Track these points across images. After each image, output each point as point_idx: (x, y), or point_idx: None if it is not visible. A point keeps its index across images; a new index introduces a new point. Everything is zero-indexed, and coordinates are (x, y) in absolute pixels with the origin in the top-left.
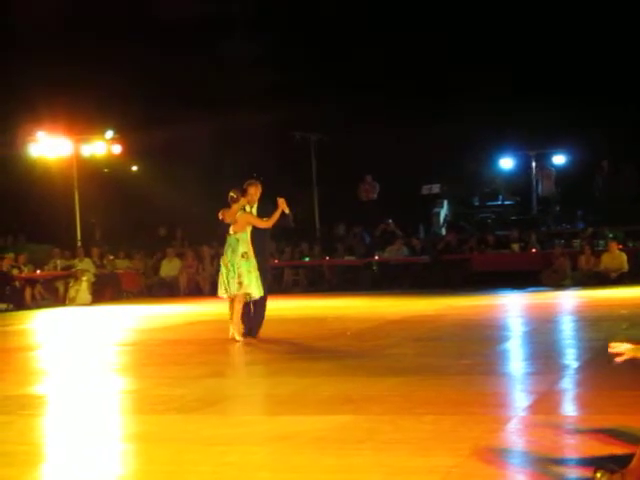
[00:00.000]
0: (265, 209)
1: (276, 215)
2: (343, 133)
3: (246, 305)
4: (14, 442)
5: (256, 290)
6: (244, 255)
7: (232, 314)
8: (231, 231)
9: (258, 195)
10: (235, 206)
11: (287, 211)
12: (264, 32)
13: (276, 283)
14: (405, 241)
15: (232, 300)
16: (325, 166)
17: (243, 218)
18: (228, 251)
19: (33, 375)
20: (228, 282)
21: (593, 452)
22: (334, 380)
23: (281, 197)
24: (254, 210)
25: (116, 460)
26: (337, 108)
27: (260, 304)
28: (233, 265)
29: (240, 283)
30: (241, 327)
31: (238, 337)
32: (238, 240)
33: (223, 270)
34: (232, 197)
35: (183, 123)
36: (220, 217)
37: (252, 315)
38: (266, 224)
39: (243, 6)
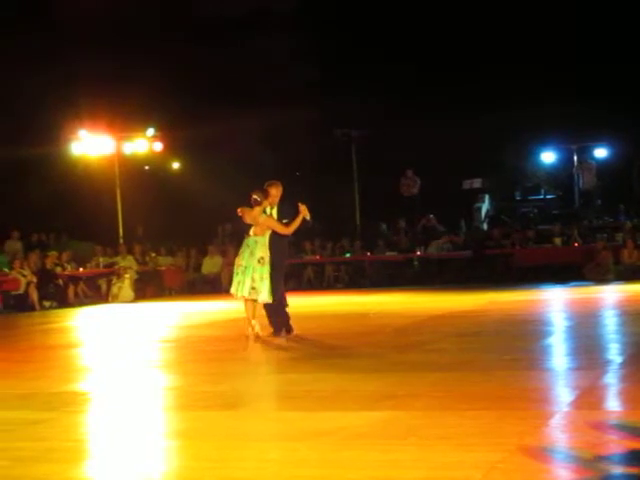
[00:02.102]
0: (284, 210)
1: (297, 221)
2: (384, 128)
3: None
4: (58, 439)
5: (267, 296)
6: (260, 260)
7: (250, 312)
8: (251, 233)
9: (279, 196)
10: (258, 208)
11: (308, 217)
12: (306, 28)
13: (317, 279)
14: (449, 236)
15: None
16: (366, 162)
17: (266, 222)
18: (245, 253)
19: (76, 372)
20: (239, 283)
21: (638, 448)
22: (376, 376)
23: (303, 203)
24: (274, 212)
25: (159, 456)
26: (378, 104)
27: (275, 307)
28: (248, 269)
29: (253, 288)
30: (247, 328)
31: (258, 331)
32: (257, 243)
33: (237, 271)
34: (255, 200)
35: (224, 120)
36: (239, 214)
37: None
38: (287, 230)
39: (285, 2)
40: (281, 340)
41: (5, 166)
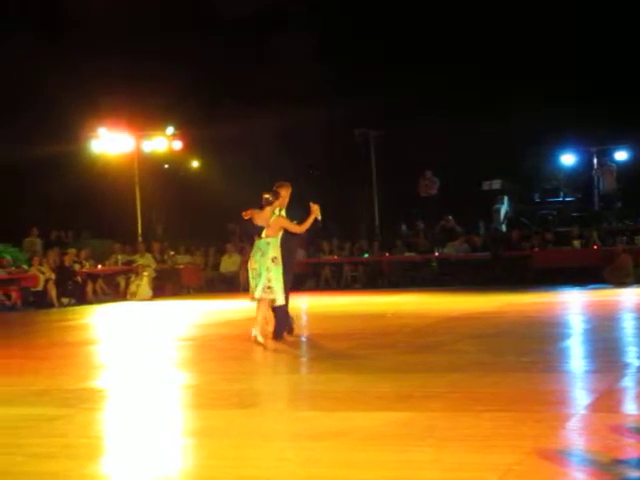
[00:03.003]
0: (292, 211)
1: (309, 221)
2: (403, 129)
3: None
4: (75, 435)
5: (281, 297)
6: (274, 260)
7: (264, 315)
8: (263, 234)
9: (288, 197)
10: (269, 209)
11: (319, 218)
12: (325, 27)
13: (335, 279)
14: (465, 237)
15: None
16: (384, 162)
17: (278, 222)
18: (257, 254)
19: (94, 369)
20: (255, 285)
21: None
22: (393, 376)
23: (315, 203)
24: (283, 213)
25: (176, 454)
26: (397, 104)
27: (281, 309)
28: (263, 270)
29: (270, 288)
30: (265, 329)
31: (261, 338)
32: (269, 244)
33: (252, 274)
34: (268, 200)
35: (243, 119)
36: (247, 216)
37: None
38: (300, 229)
39: (303, 1)
40: (279, 344)
41: (25, 164)
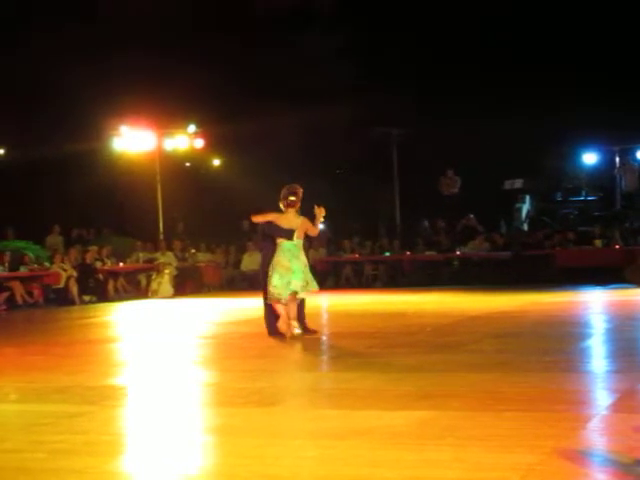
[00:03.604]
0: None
1: (318, 222)
2: (424, 127)
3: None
4: (96, 432)
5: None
6: (306, 263)
7: (291, 313)
8: (295, 237)
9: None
10: (293, 210)
11: (322, 220)
12: (346, 26)
13: (356, 278)
14: (487, 236)
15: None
16: (406, 160)
17: (305, 224)
18: (287, 255)
19: (115, 367)
20: (288, 283)
21: None
22: (414, 375)
23: (320, 205)
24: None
25: (196, 452)
26: (418, 103)
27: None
28: (297, 268)
29: (307, 283)
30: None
31: (298, 330)
32: (296, 247)
33: (280, 272)
34: (294, 201)
35: (265, 117)
36: (263, 220)
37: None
38: (317, 232)
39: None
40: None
41: (48, 162)
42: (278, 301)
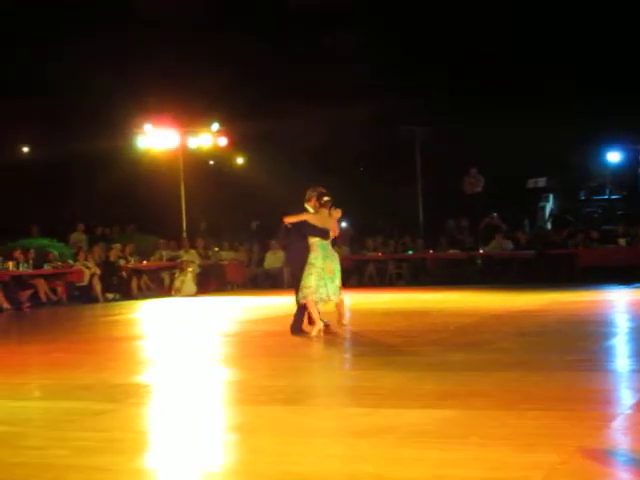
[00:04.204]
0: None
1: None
2: (448, 126)
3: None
4: (120, 430)
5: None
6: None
7: (342, 311)
8: (330, 236)
9: None
10: (325, 210)
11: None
12: (371, 24)
13: (379, 276)
14: (510, 235)
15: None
16: (429, 159)
17: (334, 224)
18: (324, 256)
19: (139, 364)
20: (337, 287)
21: None
22: (437, 374)
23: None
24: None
25: (219, 450)
26: (442, 101)
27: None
28: (337, 269)
29: (339, 287)
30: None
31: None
32: (329, 244)
33: (328, 276)
34: (328, 201)
35: (288, 115)
36: (308, 220)
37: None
38: (338, 232)
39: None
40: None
41: (72, 160)
42: (312, 301)
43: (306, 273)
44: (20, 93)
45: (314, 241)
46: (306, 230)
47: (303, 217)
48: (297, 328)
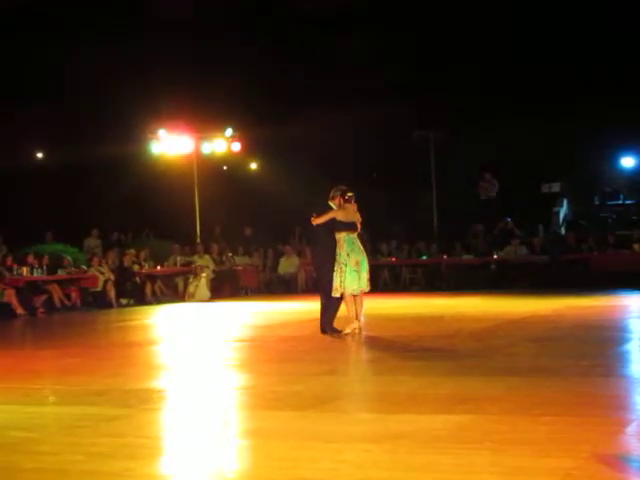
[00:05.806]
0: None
1: None
2: (463, 131)
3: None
4: (134, 435)
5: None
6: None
7: (360, 309)
8: (358, 230)
9: None
10: (350, 205)
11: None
12: (383, 29)
13: (393, 281)
14: (524, 240)
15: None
16: (444, 163)
17: (359, 217)
18: (356, 250)
19: (153, 370)
20: (361, 279)
21: None
22: (451, 379)
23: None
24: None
25: (233, 455)
26: (456, 106)
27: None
28: (363, 263)
29: (369, 280)
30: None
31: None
32: (357, 238)
33: (353, 268)
34: (352, 196)
35: (302, 121)
36: (335, 217)
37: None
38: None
39: (363, 3)
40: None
41: (86, 165)
42: (348, 295)
43: (337, 271)
44: (35, 98)
45: (341, 236)
46: (335, 226)
47: (331, 215)
48: (329, 326)
